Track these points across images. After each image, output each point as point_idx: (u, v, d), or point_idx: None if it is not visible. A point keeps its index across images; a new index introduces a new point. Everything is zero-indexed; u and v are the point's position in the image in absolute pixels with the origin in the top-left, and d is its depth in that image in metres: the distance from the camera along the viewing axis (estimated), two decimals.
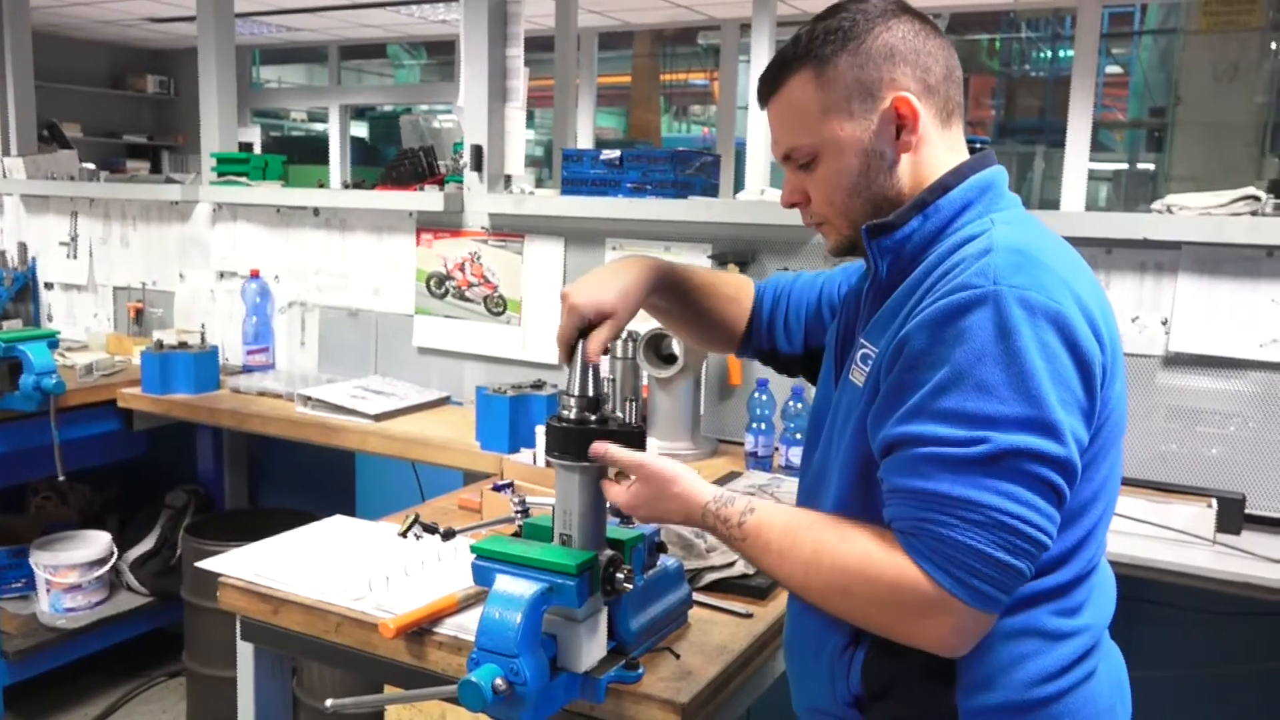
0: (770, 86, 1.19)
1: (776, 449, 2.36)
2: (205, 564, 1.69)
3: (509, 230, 2.86)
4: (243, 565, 1.67)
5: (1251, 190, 2.02)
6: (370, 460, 3.16)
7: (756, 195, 2.59)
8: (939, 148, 1.15)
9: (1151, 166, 7.59)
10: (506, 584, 1.22)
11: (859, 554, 1.04)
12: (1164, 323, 2.12)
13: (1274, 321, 2.03)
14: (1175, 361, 2.13)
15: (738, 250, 2.54)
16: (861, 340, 1.17)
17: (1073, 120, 5.66)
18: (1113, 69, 7.67)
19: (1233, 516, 2.04)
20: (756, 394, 2.36)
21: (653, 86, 9.81)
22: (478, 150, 2.85)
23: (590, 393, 1.25)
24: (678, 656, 1.40)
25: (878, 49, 1.13)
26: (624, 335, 2.51)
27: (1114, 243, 2.14)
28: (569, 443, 1.25)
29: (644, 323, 2.59)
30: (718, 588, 1.63)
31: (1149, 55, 7.78)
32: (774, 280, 1.51)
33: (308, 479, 3.50)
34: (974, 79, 8.39)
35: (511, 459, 2.01)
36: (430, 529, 1.58)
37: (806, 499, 1.24)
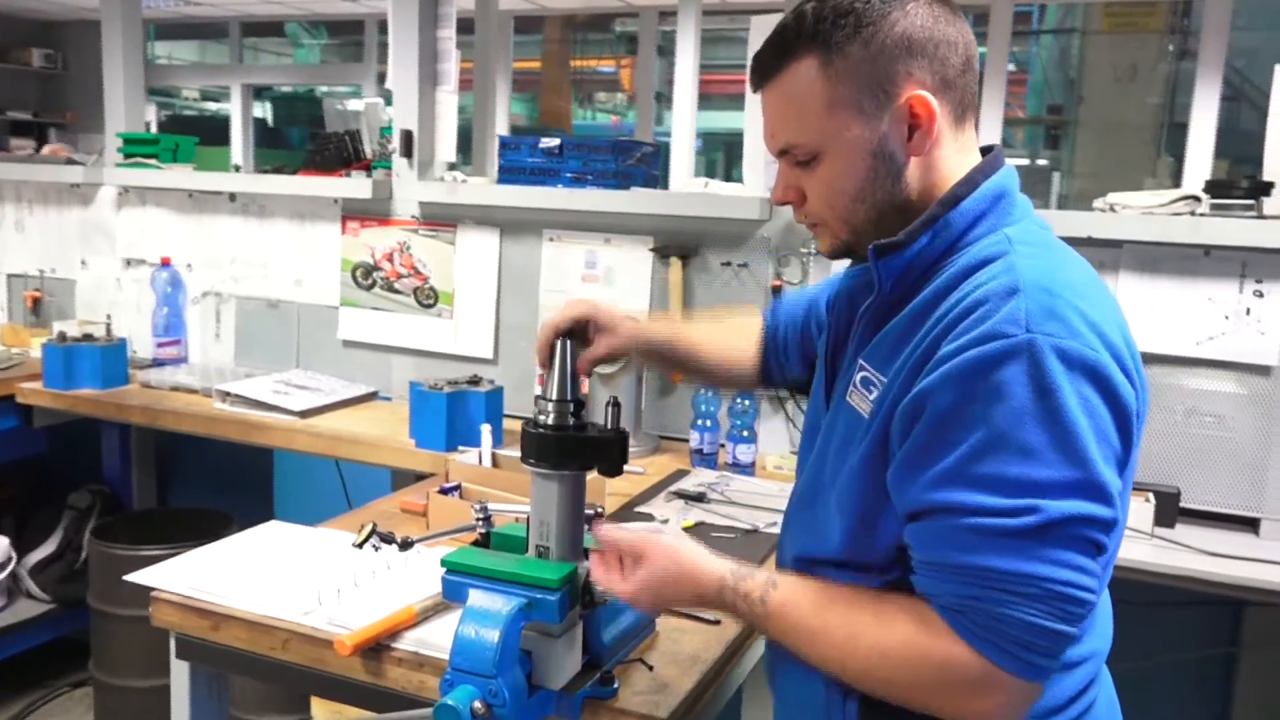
0: (768, 70, 1.08)
1: (723, 446, 2.32)
2: (136, 577, 1.57)
3: (441, 219, 2.77)
4: (176, 578, 1.55)
5: (1192, 191, 2.06)
6: (289, 457, 3.03)
7: (700, 187, 2.55)
8: (950, 150, 1.06)
9: (1043, 162, 7.82)
10: (482, 600, 1.15)
11: (900, 638, 0.97)
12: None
13: (1210, 320, 2.08)
14: None
15: (680, 243, 2.50)
16: (862, 362, 1.08)
17: (985, 116, 5.77)
18: (1009, 66, 7.87)
19: (1168, 510, 2.09)
20: (702, 391, 2.33)
21: (563, 73, 9.69)
22: (408, 135, 2.74)
23: (569, 397, 1.19)
24: (650, 668, 1.36)
25: (895, 38, 1.02)
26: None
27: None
28: (547, 450, 1.18)
29: None
30: None
31: (1048, 54, 8.01)
32: (775, 306, 1.46)
33: (221, 478, 3.35)
34: None
35: (457, 459, 1.93)
36: (387, 539, 1.50)
37: (799, 508, 1.19)
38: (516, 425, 2.45)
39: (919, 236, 1.04)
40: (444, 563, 1.19)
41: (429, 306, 2.81)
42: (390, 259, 2.83)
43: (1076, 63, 7.94)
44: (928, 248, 1.04)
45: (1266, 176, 2.07)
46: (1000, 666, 0.92)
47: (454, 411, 2.37)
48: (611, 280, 2.60)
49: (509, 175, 2.59)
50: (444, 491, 1.84)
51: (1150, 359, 2.13)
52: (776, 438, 2.40)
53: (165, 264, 3.09)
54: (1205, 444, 2.11)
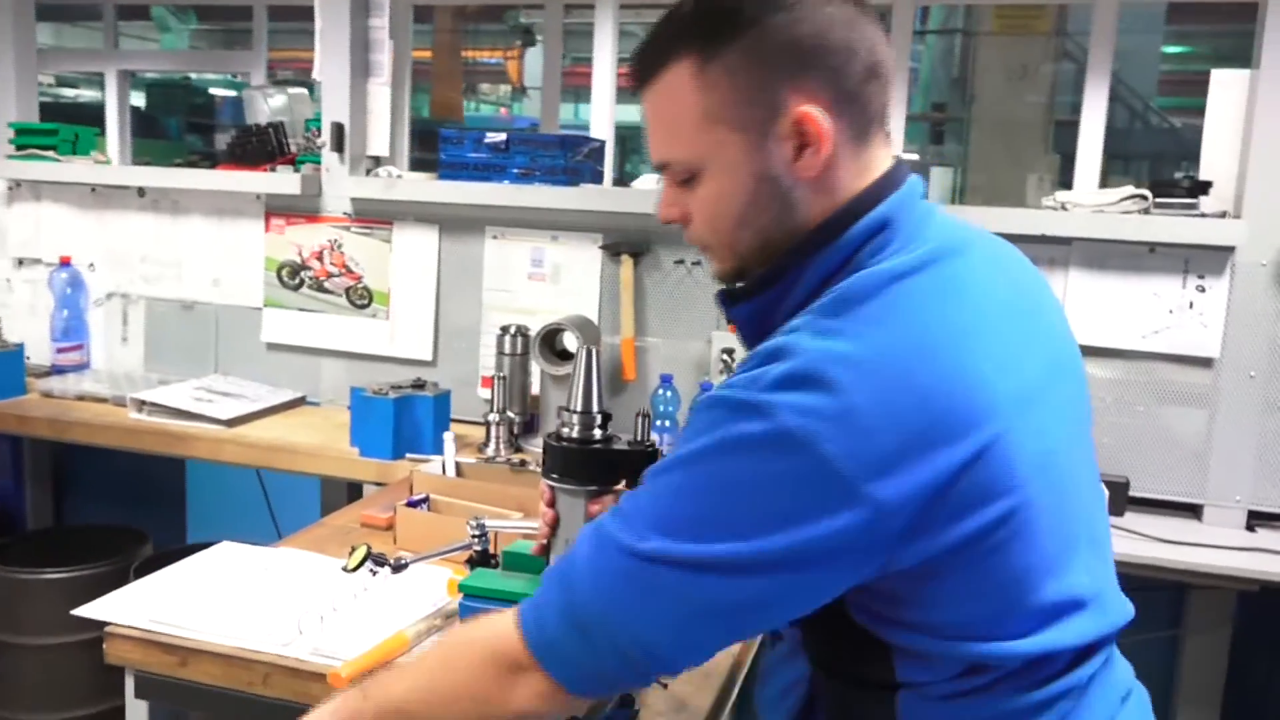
0: (643, 73, 0.96)
1: None
2: (84, 611, 1.43)
3: (375, 216, 2.64)
4: (132, 610, 1.43)
5: (1139, 190, 2.12)
6: (202, 468, 2.86)
7: (653, 184, 2.50)
8: (850, 171, 0.93)
9: (916, 157, 8.04)
10: None
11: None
12: None
13: (1155, 314, 2.14)
14: None
15: (631, 241, 2.44)
16: None
17: (894, 111, 5.89)
18: None
19: (1119, 499, 2.14)
20: (661, 390, 2.28)
21: (455, 64, 9.50)
22: (338, 129, 2.61)
23: (594, 408, 1.12)
24: (665, 686, 1.30)
25: (783, 42, 0.89)
26: (512, 330, 2.38)
27: (1009, 237, 2.19)
28: (572, 464, 1.12)
29: (536, 317, 2.46)
30: None
31: (932, 53, 8.23)
32: None
33: (127, 491, 3.13)
34: None
35: (421, 470, 1.83)
36: (380, 560, 1.40)
37: None
38: (465, 431, 2.38)
39: (768, 289, 0.95)
40: (462, 587, 1.12)
41: (363, 307, 2.68)
42: (320, 257, 2.69)
43: (959, 62, 8.18)
44: (783, 303, 0.93)
45: (1204, 176, 2.15)
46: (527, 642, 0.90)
47: (400, 417, 2.26)
48: (559, 279, 2.53)
49: (450, 171, 2.49)
50: (412, 504, 1.74)
51: (1099, 352, 2.18)
52: None
53: (65, 263, 2.87)
54: (1152, 434, 2.17)
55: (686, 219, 1.00)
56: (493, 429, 2.33)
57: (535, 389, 2.45)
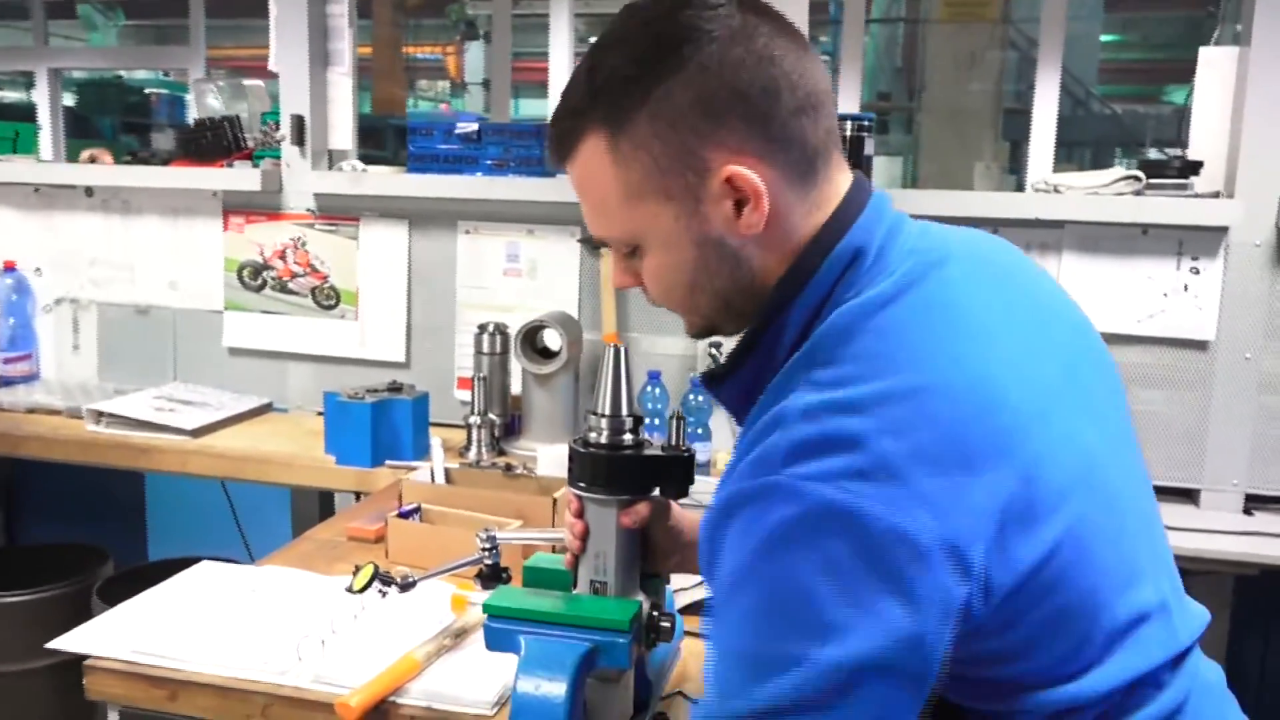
0: (559, 148, 0.89)
1: None
2: (59, 643, 1.32)
3: (340, 212, 2.53)
4: (112, 640, 1.32)
5: (1133, 171, 2.09)
6: (162, 481, 2.73)
7: None
8: (797, 213, 0.86)
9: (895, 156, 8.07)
10: (539, 649, 1.00)
11: None
12: None
13: (1150, 297, 2.12)
14: None
15: None
16: None
17: (843, 101, 5.87)
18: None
19: None
20: (649, 388, 2.21)
21: (397, 60, 9.32)
22: (299, 121, 2.49)
23: (624, 411, 1.04)
24: (690, 699, 1.23)
25: (692, 99, 0.81)
26: (491, 328, 2.29)
27: (1000, 222, 2.16)
28: (601, 472, 1.04)
29: (513, 314, 2.38)
30: (687, 611, 1.47)
31: (876, 43, 8.25)
32: None
33: (82, 507, 2.98)
34: None
35: (411, 479, 1.74)
36: (387, 580, 1.31)
37: None
38: (443, 434, 2.29)
39: (744, 363, 0.88)
40: (487, 608, 1.04)
41: (330, 308, 2.57)
42: (283, 257, 2.57)
43: (903, 51, 8.22)
44: (764, 368, 0.86)
45: (1193, 156, 2.13)
46: None
47: (379, 423, 2.16)
48: (535, 274, 2.44)
49: (420, 164, 2.39)
50: (403, 515, 1.65)
51: None
52: (723, 433, 2.31)
53: (9, 268, 2.71)
54: (1148, 419, 2.15)
55: (641, 285, 0.94)
56: (474, 432, 2.24)
57: (515, 389, 2.36)
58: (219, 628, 1.35)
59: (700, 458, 2.15)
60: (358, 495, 2.21)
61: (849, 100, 4.53)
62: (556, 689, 0.97)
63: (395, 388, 2.24)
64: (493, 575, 1.28)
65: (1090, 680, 0.79)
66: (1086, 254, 2.14)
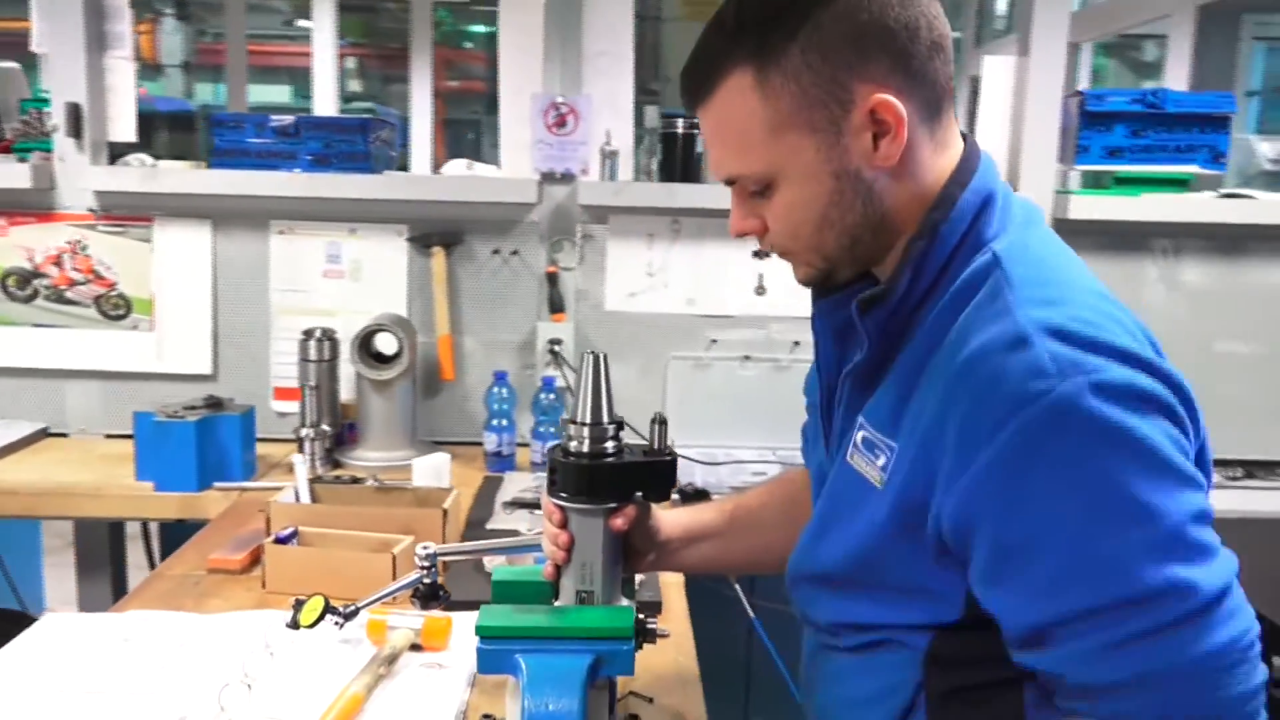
0: (696, 91, 0.92)
1: (527, 445, 2.18)
2: None
3: (129, 212, 2.28)
4: None
5: None
6: None
7: (463, 169, 2.35)
8: (927, 151, 0.91)
9: None
10: (543, 667, 0.97)
11: None
12: None
13: None
14: None
15: (441, 232, 2.29)
16: (861, 420, 0.96)
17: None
18: None
19: None
20: (495, 389, 2.17)
21: None
22: (75, 110, 2.22)
23: (605, 419, 1.03)
24: (650, 700, 1.24)
25: (842, 34, 0.86)
26: (318, 334, 2.17)
27: None
28: (586, 482, 1.02)
29: (337, 318, 2.25)
30: None
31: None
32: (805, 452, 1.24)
33: None
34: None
35: (278, 500, 1.60)
36: (333, 611, 1.21)
37: (811, 581, 1.05)
38: (267, 450, 2.13)
39: (900, 280, 0.91)
40: (479, 631, 0.99)
41: (119, 318, 2.31)
42: (58, 262, 2.28)
43: (652, 46, 8.49)
44: (911, 288, 0.91)
45: None
46: None
47: (204, 442, 1.98)
48: (360, 275, 2.32)
49: (228, 159, 2.20)
50: (280, 540, 1.53)
51: None
52: None
53: None
54: None
55: (763, 228, 0.95)
56: (307, 445, 2.11)
57: (344, 396, 2.24)
58: (109, 691, 1.20)
59: None
60: (179, 523, 2.02)
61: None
62: (569, 705, 0.95)
63: (215, 403, 2.07)
64: (430, 594, 1.22)
65: None
66: None
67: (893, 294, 0.91)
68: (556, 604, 1.06)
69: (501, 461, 2.15)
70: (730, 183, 0.95)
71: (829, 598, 1.01)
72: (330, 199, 2.24)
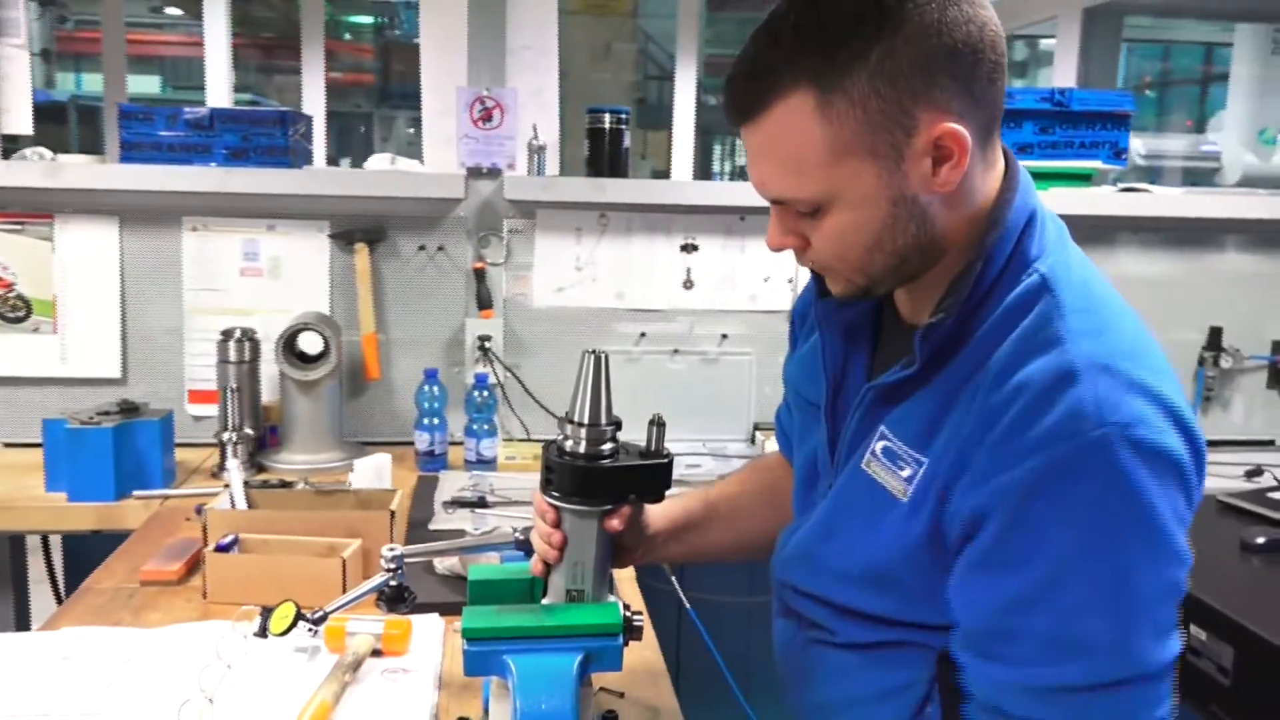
0: (747, 109, 0.87)
1: (460, 443, 2.15)
2: None
3: (27, 209, 2.16)
4: None
5: None
6: None
7: (387, 164, 2.29)
8: (978, 171, 0.89)
9: None
10: (533, 666, 0.97)
11: None
12: (790, 280, 2.37)
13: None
14: None
15: (365, 228, 2.24)
16: (884, 430, 0.95)
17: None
18: None
19: None
20: (426, 387, 2.13)
21: None
22: None
23: (603, 420, 1.01)
24: (622, 695, 1.24)
25: (913, 56, 0.81)
26: (238, 334, 2.09)
27: (746, 210, 2.33)
28: (583, 483, 1.01)
29: (254, 317, 2.18)
30: None
31: None
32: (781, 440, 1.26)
33: None
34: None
35: (215, 507, 1.54)
36: (303, 617, 1.16)
37: (806, 570, 1.05)
38: (186, 455, 2.05)
39: (964, 309, 0.90)
40: (465, 633, 0.98)
41: (18, 320, 2.19)
42: None
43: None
44: (961, 311, 0.90)
45: None
46: None
47: (121, 449, 1.89)
48: (279, 273, 2.24)
49: (138, 153, 2.11)
50: (221, 548, 1.47)
51: None
52: (503, 427, 2.28)
53: None
54: None
55: (804, 244, 0.93)
56: (229, 449, 2.04)
57: (265, 398, 2.17)
58: (57, 714, 1.14)
59: (488, 454, 2.12)
60: (95, 534, 1.93)
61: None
62: (562, 703, 0.94)
63: (130, 408, 1.97)
64: (396, 597, 1.19)
65: None
66: None
67: (949, 318, 0.90)
68: (545, 602, 1.05)
69: (434, 461, 2.11)
70: (777, 202, 0.91)
71: (839, 596, 1.01)
72: (247, 194, 2.16)
